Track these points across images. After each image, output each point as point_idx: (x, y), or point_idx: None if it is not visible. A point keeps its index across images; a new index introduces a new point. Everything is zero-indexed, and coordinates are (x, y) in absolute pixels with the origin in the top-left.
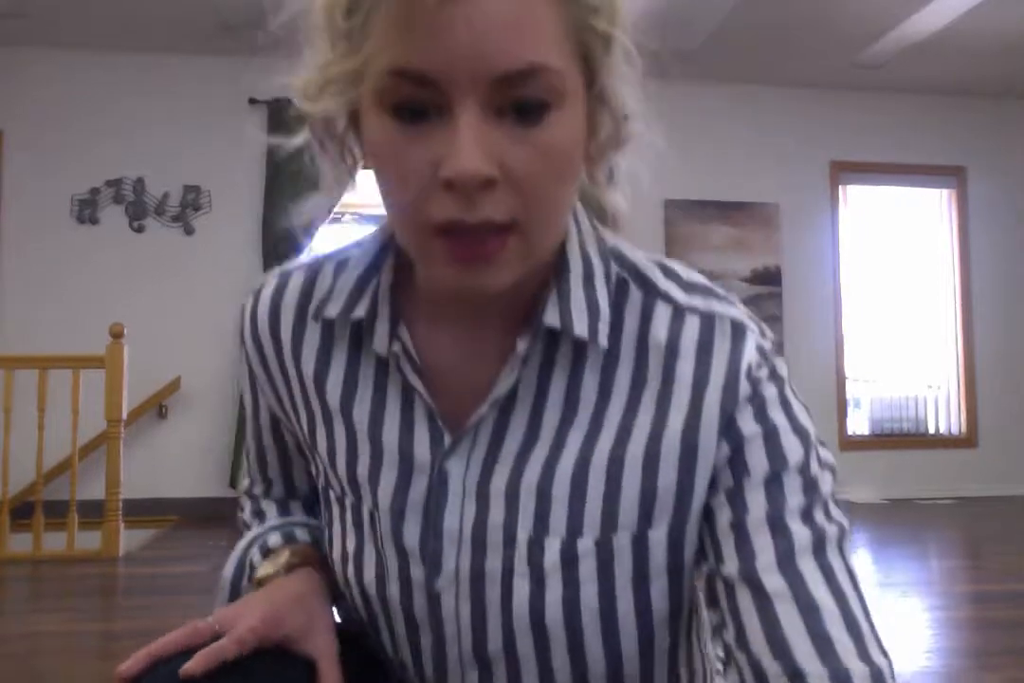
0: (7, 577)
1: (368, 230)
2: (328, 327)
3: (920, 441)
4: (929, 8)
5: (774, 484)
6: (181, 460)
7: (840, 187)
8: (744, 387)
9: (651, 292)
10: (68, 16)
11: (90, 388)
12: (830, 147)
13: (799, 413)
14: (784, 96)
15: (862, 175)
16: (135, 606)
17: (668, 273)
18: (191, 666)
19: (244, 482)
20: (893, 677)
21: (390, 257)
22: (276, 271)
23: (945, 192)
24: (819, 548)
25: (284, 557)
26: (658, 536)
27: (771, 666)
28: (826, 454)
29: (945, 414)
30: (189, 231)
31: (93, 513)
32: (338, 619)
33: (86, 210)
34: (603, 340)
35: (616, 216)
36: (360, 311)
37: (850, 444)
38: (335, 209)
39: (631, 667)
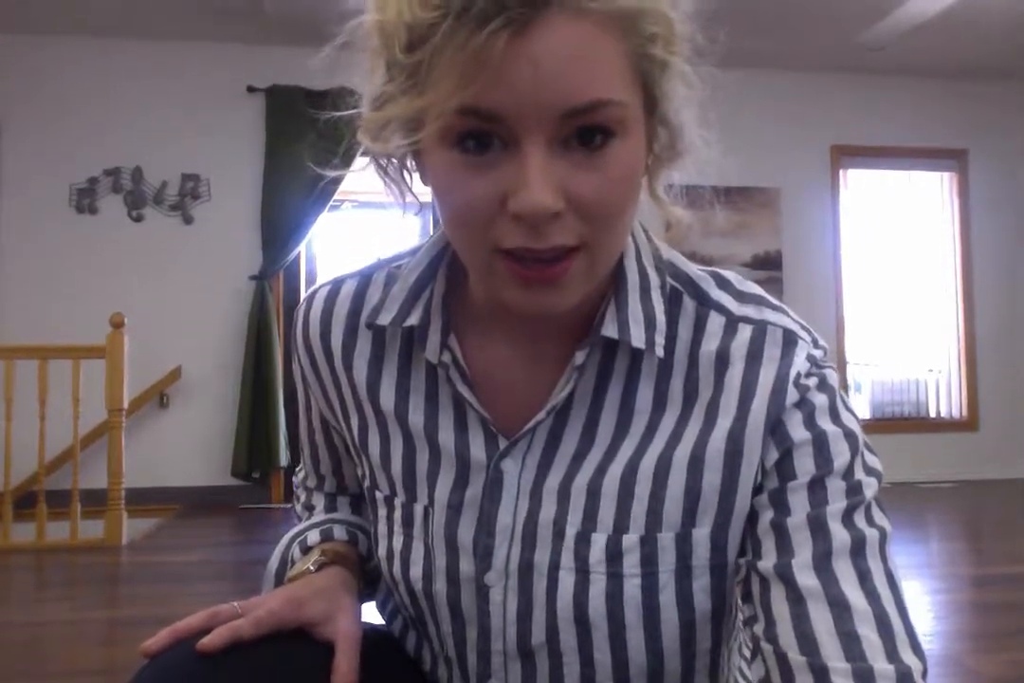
0: (11, 566)
1: (370, 218)
2: (380, 335)
3: (921, 424)
4: None
5: (817, 487)
6: (183, 449)
7: (841, 171)
8: (792, 393)
9: (704, 303)
10: (65, 4)
11: (91, 378)
12: (831, 131)
13: (848, 420)
14: (784, 79)
15: (863, 159)
16: (139, 594)
17: (722, 283)
18: (207, 641)
19: (299, 474)
20: (924, 677)
21: (444, 266)
22: (330, 278)
23: (946, 175)
24: (857, 551)
25: (315, 556)
26: (702, 534)
27: (796, 659)
28: (873, 460)
29: (946, 397)
30: (188, 220)
31: (96, 502)
32: (375, 621)
33: (85, 199)
34: (659, 351)
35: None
36: (413, 319)
37: None
38: (334, 197)
39: (672, 664)
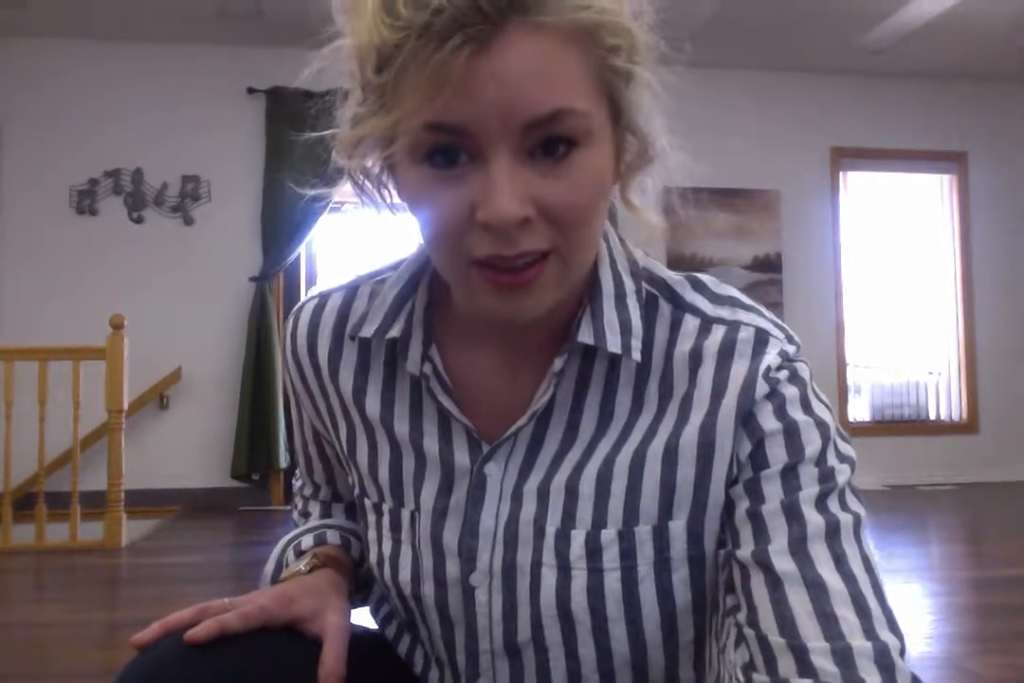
0: (11, 568)
1: (370, 220)
2: (365, 346)
3: (921, 427)
4: None
5: (790, 474)
6: (183, 450)
7: (840, 173)
8: (762, 386)
9: (679, 306)
10: (66, 6)
11: (91, 379)
12: (830, 133)
13: (819, 410)
14: (784, 81)
15: (863, 161)
16: (138, 596)
17: (697, 286)
18: (195, 632)
19: (296, 483)
20: (902, 654)
21: (426, 278)
22: (316, 291)
23: (946, 178)
24: (832, 535)
25: (307, 559)
26: (678, 527)
27: (777, 642)
28: (846, 447)
29: (946, 400)
30: (188, 221)
31: (96, 504)
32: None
33: (85, 201)
34: (636, 354)
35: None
36: (394, 332)
37: (851, 431)
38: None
39: (655, 656)
